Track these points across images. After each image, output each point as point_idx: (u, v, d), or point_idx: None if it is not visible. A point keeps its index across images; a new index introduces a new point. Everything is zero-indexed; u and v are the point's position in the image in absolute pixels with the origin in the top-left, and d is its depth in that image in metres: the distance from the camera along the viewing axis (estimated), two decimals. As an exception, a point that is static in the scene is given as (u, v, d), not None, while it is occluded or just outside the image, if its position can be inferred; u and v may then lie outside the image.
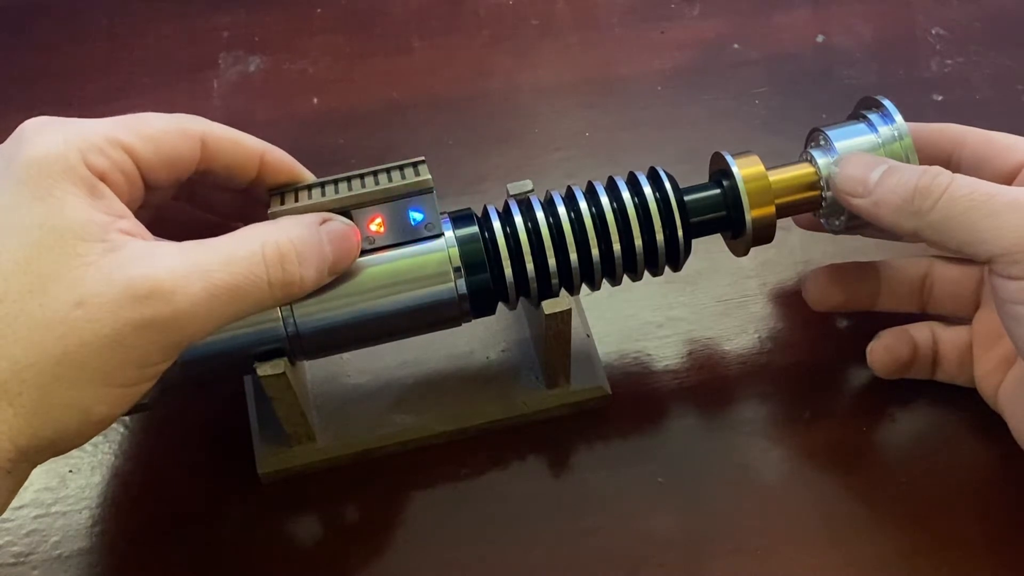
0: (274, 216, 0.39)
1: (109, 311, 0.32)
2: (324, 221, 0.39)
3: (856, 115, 0.44)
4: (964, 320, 0.45)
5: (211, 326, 0.35)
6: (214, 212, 0.43)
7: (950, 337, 0.44)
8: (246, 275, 0.35)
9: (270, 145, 0.41)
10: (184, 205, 0.42)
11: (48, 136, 0.35)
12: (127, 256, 0.34)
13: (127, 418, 0.45)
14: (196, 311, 0.34)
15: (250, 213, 0.41)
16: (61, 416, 0.33)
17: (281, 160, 0.41)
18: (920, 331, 0.45)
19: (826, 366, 0.47)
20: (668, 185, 0.42)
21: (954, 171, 0.39)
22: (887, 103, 0.43)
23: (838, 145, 0.43)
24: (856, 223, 0.44)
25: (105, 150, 0.35)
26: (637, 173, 0.43)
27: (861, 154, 0.42)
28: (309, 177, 0.42)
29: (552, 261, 0.41)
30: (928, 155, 0.43)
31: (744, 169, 0.43)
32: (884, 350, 0.45)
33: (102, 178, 0.35)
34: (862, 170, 0.41)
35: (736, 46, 0.60)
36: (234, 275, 0.35)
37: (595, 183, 0.43)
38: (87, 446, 0.45)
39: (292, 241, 0.37)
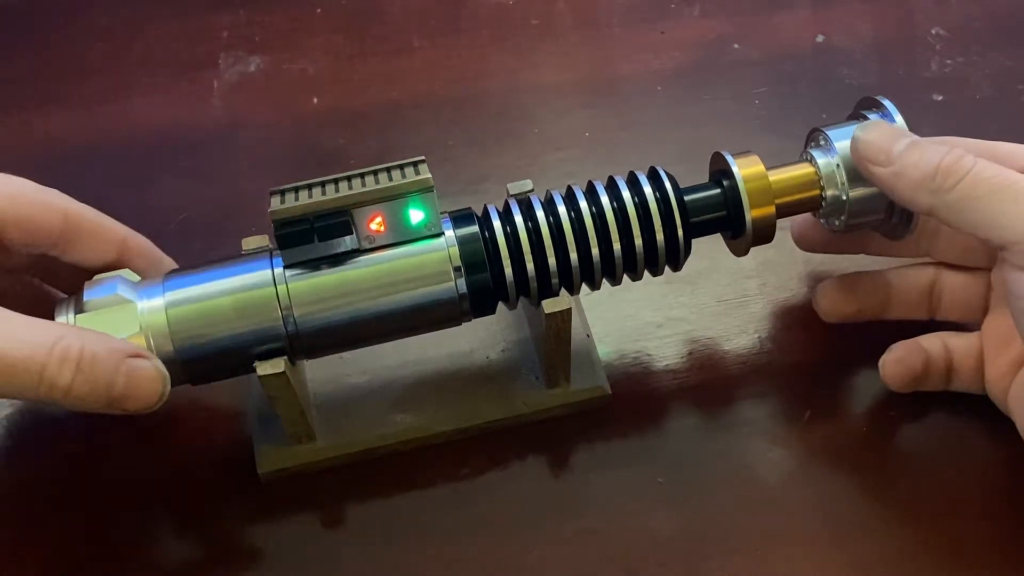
0: (274, 216, 0.39)
1: None
2: (137, 355, 0.38)
3: (856, 115, 0.44)
4: (973, 326, 0.45)
5: None
6: (68, 291, 0.43)
7: (963, 345, 0.44)
8: (25, 356, 0.36)
9: (133, 232, 0.42)
10: (35, 281, 0.43)
11: None
12: None
13: (127, 418, 0.45)
14: None
15: None
16: None
17: (142, 247, 0.42)
18: (931, 342, 0.44)
19: (826, 366, 0.47)
20: (668, 185, 0.42)
21: None
22: (887, 103, 0.43)
23: (838, 145, 0.43)
24: (856, 222, 0.44)
25: None
26: (637, 173, 0.43)
27: (885, 123, 0.42)
28: (171, 265, 0.43)
29: (552, 260, 0.41)
30: None
31: (744, 169, 0.43)
32: (896, 363, 0.44)
33: None
34: (887, 139, 0.41)
35: (736, 46, 0.60)
36: (12, 352, 0.35)
37: (595, 183, 0.43)
38: (86, 446, 0.45)
39: (85, 352, 0.37)
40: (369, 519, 0.43)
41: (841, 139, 0.43)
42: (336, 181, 0.40)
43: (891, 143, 0.40)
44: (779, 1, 0.62)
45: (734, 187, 0.42)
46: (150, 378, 0.38)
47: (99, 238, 0.41)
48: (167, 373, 0.39)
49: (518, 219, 0.42)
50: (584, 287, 0.43)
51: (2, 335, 0.36)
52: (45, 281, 0.44)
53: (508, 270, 0.41)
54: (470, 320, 0.43)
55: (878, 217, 0.43)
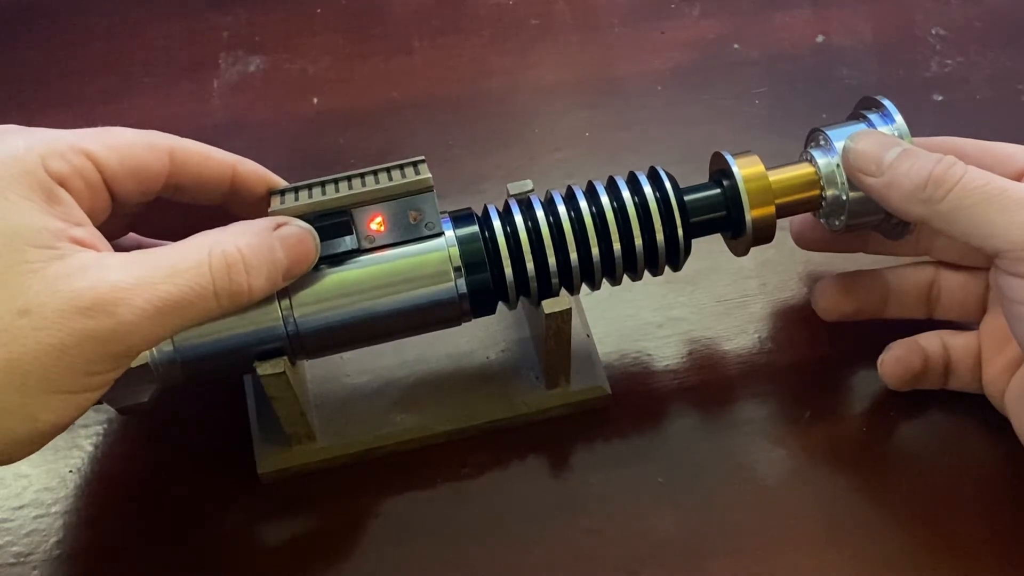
0: (274, 216, 0.39)
1: (53, 321, 0.32)
2: (279, 226, 0.38)
3: (856, 115, 0.44)
4: (972, 325, 0.45)
5: (157, 337, 0.35)
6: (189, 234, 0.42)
7: (961, 344, 0.44)
8: (192, 287, 0.35)
9: (241, 157, 0.41)
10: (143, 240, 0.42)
11: (10, 141, 0.35)
12: (73, 266, 0.33)
13: (127, 418, 0.45)
14: (140, 324, 0.34)
15: None
16: (8, 424, 0.33)
17: (254, 171, 0.41)
18: (930, 340, 0.44)
19: (826, 366, 0.47)
20: (668, 185, 0.42)
21: None
22: (887, 103, 0.43)
23: (838, 145, 0.43)
24: (856, 222, 0.44)
25: (67, 156, 0.35)
26: (637, 173, 0.43)
27: (876, 132, 0.42)
28: (284, 184, 0.41)
29: (552, 260, 0.41)
30: None
31: (744, 169, 0.43)
32: (895, 361, 0.44)
33: (62, 183, 0.35)
34: (877, 148, 0.41)
35: (736, 46, 0.60)
36: (179, 287, 0.35)
37: (595, 183, 0.43)
38: (87, 446, 0.45)
39: (240, 250, 0.36)
40: (369, 519, 0.43)
41: (841, 139, 0.43)
42: (336, 181, 0.41)
43: (882, 153, 0.40)
44: (779, 1, 0.62)
45: (734, 187, 0.42)
46: (302, 239, 0.39)
47: (209, 169, 0.40)
48: (309, 226, 0.39)
49: (518, 219, 0.42)
50: (584, 287, 0.43)
51: (159, 278, 0.34)
52: (149, 235, 0.43)
53: (508, 270, 0.41)
54: (470, 320, 0.43)
55: (878, 217, 0.43)
